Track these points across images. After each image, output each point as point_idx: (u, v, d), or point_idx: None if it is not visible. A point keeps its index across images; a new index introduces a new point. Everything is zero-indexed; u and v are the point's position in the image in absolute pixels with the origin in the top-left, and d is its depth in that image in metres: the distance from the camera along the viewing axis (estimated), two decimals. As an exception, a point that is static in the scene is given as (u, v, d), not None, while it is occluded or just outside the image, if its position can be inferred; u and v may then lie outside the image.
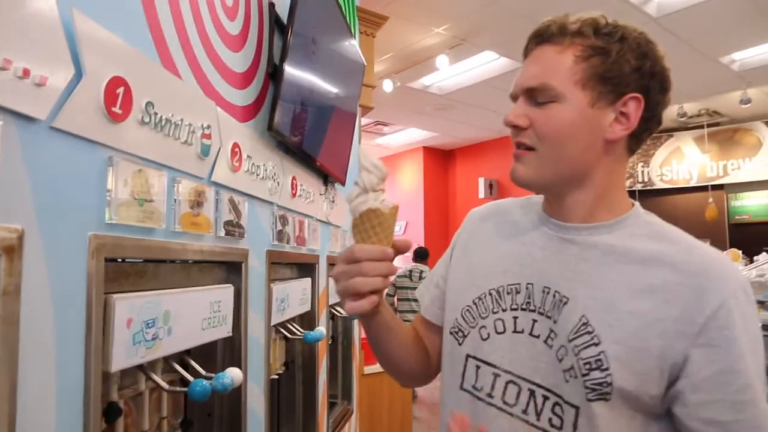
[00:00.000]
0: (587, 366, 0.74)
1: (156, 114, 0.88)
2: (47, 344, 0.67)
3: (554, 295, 0.80)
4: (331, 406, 2.51)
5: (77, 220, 0.73)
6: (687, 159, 7.41)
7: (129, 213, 0.82)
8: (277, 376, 1.70)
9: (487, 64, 5.32)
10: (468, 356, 0.87)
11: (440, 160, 9.31)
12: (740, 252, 4.77)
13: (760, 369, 0.72)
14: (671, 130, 7.44)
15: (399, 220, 9.30)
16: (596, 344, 0.74)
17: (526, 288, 0.84)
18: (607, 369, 0.73)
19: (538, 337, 0.80)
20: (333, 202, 2.27)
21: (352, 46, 2.24)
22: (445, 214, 9.17)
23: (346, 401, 2.72)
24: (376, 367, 3.62)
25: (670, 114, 6.73)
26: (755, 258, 3.29)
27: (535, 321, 0.82)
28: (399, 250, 0.79)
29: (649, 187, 7.53)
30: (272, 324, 1.51)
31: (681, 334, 0.71)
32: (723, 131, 7.14)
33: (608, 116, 0.79)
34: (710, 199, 6.87)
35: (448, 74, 5.57)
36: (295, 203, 1.70)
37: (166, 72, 0.95)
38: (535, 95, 0.81)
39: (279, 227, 1.55)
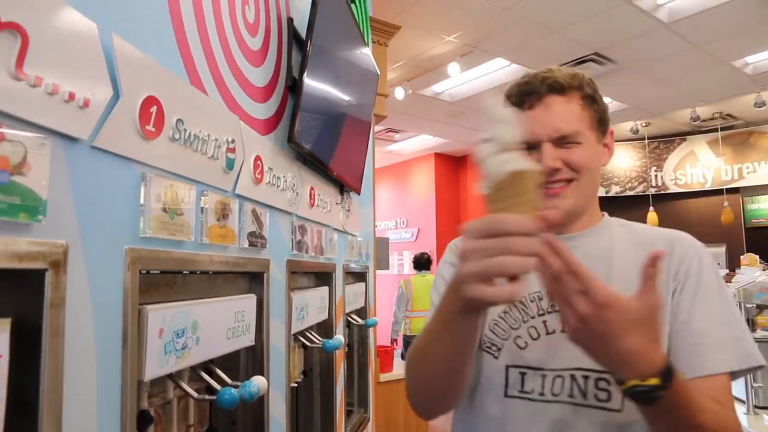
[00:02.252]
0: None
1: (185, 130, 0.92)
2: (89, 354, 0.70)
3: None
4: (348, 413, 2.53)
5: (114, 234, 0.76)
6: (701, 163, 7.36)
7: (161, 226, 0.85)
8: (296, 384, 1.72)
9: (498, 71, 5.34)
10: (508, 366, 0.93)
11: (452, 166, 9.32)
12: (757, 257, 4.73)
13: (729, 299, 0.90)
14: (684, 134, 7.40)
15: (411, 227, 9.32)
16: None
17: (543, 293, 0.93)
18: None
19: None
20: (349, 211, 2.30)
21: (367, 56, 2.28)
22: (457, 221, 9.17)
23: (362, 409, 2.74)
24: (392, 375, 3.64)
25: (682, 118, 6.70)
26: (773, 262, 3.26)
27: None
28: (549, 224, 0.65)
29: (662, 192, 7.49)
30: (292, 332, 1.53)
31: (671, 283, 0.89)
32: (737, 134, 7.09)
33: (602, 149, 0.99)
34: (725, 203, 6.81)
35: (460, 81, 5.60)
36: (313, 213, 1.73)
37: (194, 89, 0.99)
38: (563, 140, 0.93)
39: (298, 237, 1.57)
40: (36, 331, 0.62)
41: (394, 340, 5.62)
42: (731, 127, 7.05)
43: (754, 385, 2.40)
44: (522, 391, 0.92)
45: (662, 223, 6.88)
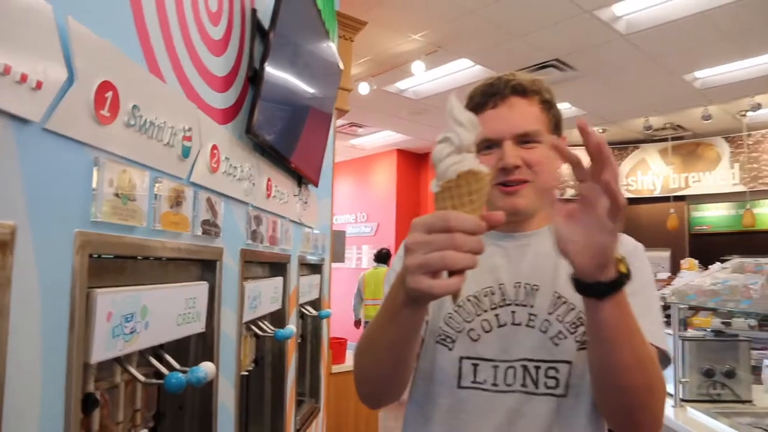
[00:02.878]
0: (573, 325, 0.94)
1: (141, 117, 0.92)
2: (34, 335, 0.71)
3: (525, 287, 0.99)
4: (299, 403, 2.55)
5: (64, 218, 0.76)
6: (651, 170, 7.67)
7: (113, 211, 0.86)
8: (246, 373, 1.73)
9: (462, 71, 5.42)
10: (461, 358, 0.98)
11: (413, 162, 9.40)
12: (697, 261, 4.97)
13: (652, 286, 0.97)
14: (637, 142, 7.69)
15: (371, 221, 9.36)
16: (573, 308, 0.95)
17: (499, 288, 1.00)
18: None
19: (519, 324, 0.97)
20: (306, 203, 2.31)
21: (331, 50, 2.29)
22: (417, 216, 9.25)
23: (313, 399, 2.76)
24: (345, 366, 3.67)
25: (636, 126, 6.96)
26: (710, 267, 3.45)
27: (513, 312, 0.98)
28: (492, 224, 0.66)
29: (614, 197, 7.76)
30: (244, 321, 1.55)
31: None
32: (686, 145, 7.42)
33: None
34: (672, 210, 7.12)
35: (424, 79, 5.65)
36: (270, 204, 1.74)
37: (152, 76, 0.99)
38: (525, 137, 0.97)
39: (253, 227, 1.58)
40: (-20, 311, 0.63)
41: (358, 321, 6.34)
42: (681, 138, 7.36)
43: (682, 380, 2.55)
44: (475, 381, 0.96)
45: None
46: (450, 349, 0.99)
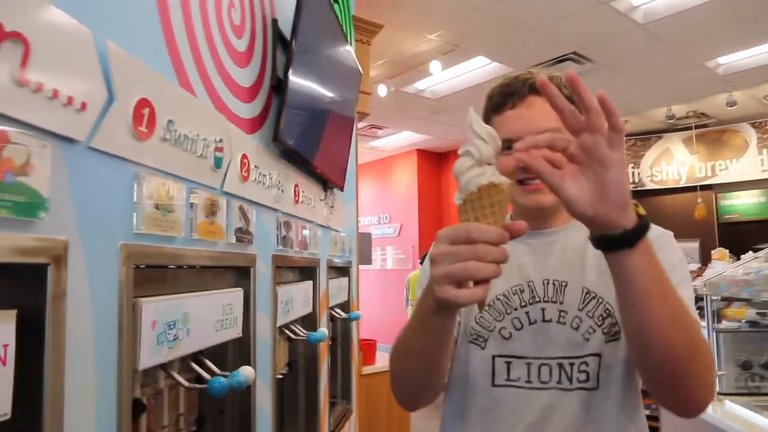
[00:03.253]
0: (601, 317, 0.96)
1: (175, 131, 0.95)
2: (88, 345, 0.74)
3: (554, 284, 1.01)
4: (332, 405, 2.58)
5: (110, 231, 0.80)
6: (676, 160, 7.54)
7: (153, 223, 0.89)
8: (281, 376, 1.76)
9: (479, 68, 5.41)
10: (494, 356, 1.00)
11: (434, 162, 9.40)
12: (727, 251, 4.87)
13: (684, 268, 0.95)
14: (660, 132, 7.57)
15: (393, 222, 9.38)
16: (601, 302, 0.97)
17: (528, 285, 1.02)
18: (612, 315, 0.95)
19: (550, 321, 0.99)
20: (332, 207, 2.34)
21: (350, 55, 2.32)
22: (439, 216, 9.26)
23: (345, 401, 2.79)
24: (375, 368, 3.69)
25: (658, 116, 6.85)
26: (742, 257, 3.38)
27: (543, 309, 1.00)
28: (514, 233, 0.69)
29: (639, 188, 7.65)
30: (278, 325, 1.58)
31: None
32: (710, 132, 7.28)
33: None
34: (699, 199, 7.00)
35: (442, 79, 5.66)
36: (298, 209, 1.77)
37: (183, 91, 1.02)
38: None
39: (283, 233, 1.62)
40: (39, 323, 0.66)
41: None
42: (705, 126, 7.23)
43: (718, 373, 2.51)
44: (508, 379, 0.99)
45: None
46: (482, 348, 1.01)
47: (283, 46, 1.62)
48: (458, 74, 5.58)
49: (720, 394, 2.49)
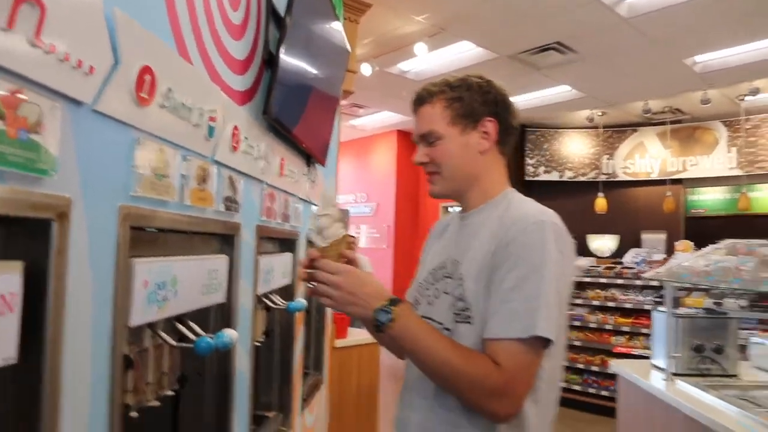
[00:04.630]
0: (453, 297, 1.18)
1: (174, 98, 0.98)
2: (86, 299, 0.78)
3: (454, 262, 1.23)
4: (305, 375, 2.64)
5: (110, 192, 0.83)
6: (649, 153, 7.73)
7: (151, 187, 0.93)
8: (258, 344, 1.81)
9: (464, 53, 5.44)
10: (423, 317, 1.22)
11: (413, 143, 9.42)
12: (692, 243, 5.07)
13: (543, 277, 1.08)
14: (636, 125, 7.73)
15: (370, 201, 9.43)
16: (461, 284, 1.18)
17: (444, 262, 1.26)
18: (465, 299, 1.16)
19: (448, 293, 1.21)
20: (314, 182, 2.38)
21: (339, 33, 2.34)
22: (416, 197, 9.33)
23: (318, 372, 2.86)
24: (347, 341, 3.78)
25: (635, 110, 7.00)
26: (702, 249, 3.54)
27: (447, 283, 1.22)
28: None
29: (612, 179, 7.83)
30: (258, 293, 1.62)
31: (497, 257, 1.12)
32: (684, 128, 7.47)
33: (475, 137, 1.24)
34: (668, 193, 7.20)
35: (426, 61, 5.68)
36: (282, 182, 1.81)
37: (182, 60, 1.05)
38: (426, 138, 1.26)
39: (267, 204, 1.65)
40: (43, 275, 0.70)
41: None
42: (679, 121, 7.41)
43: (673, 354, 2.66)
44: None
45: (610, 209, 7.24)
46: (417, 310, 1.27)
47: (276, 21, 1.64)
48: (443, 58, 5.60)
49: (673, 374, 2.64)
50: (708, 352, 2.67)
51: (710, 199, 7.37)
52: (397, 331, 1.09)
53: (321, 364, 2.91)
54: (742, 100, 6.26)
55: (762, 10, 4.16)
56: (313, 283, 1.15)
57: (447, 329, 1.17)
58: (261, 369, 2.07)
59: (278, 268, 1.85)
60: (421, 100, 1.28)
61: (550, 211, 1.18)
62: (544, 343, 1.05)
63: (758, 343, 2.91)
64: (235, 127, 1.31)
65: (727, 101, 6.48)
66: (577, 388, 6.00)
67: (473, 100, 1.24)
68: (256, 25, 1.52)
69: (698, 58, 5.25)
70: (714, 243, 3.14)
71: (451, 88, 1.25)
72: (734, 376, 2.67)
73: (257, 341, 1.77)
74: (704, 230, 6.85)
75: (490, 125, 1.24)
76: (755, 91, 5.78)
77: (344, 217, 1.45)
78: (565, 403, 6.00)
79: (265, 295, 1.78)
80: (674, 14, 4.23)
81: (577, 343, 6.07)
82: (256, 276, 1.58)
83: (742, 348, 2.88)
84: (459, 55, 5.51)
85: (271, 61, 1.55)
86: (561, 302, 1.09)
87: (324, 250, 1.15)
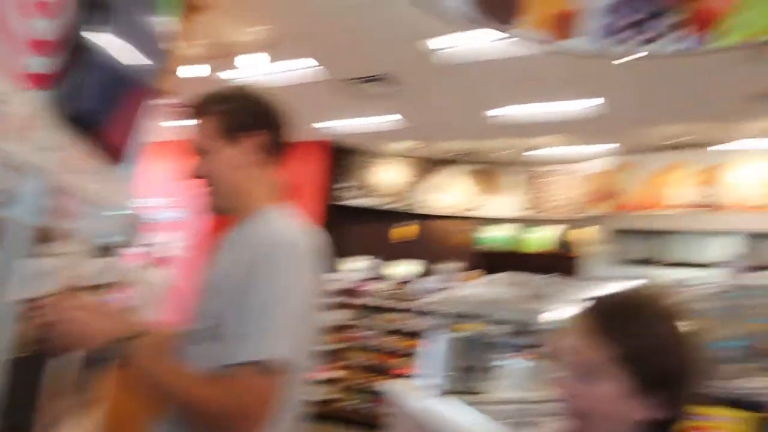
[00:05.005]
0: (203, 312, 1.19)
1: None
2: None
3: (215, 279, 1.20)
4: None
5: None
6: (453, 190, 8.58)
7: None
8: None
9: (300, 70, 5.48)
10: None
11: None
12: (479, 272, 5.73)
13: (283, 299, 1.09)
14: (448, 162, 8.52)
15: (181, 206, 8.90)
16: (210, 300, 1.19)
17: (209, 279, 1.24)
18: (218, 317, 1.14)
19: (209, 310, 1.19)
20: (112, 181, 2.22)
21: (164, 29, 2.25)
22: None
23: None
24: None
25: (444, 148, 7.77)
26: (476, 281, 4.07)
27: (210, 300, 1.20)
28: None
29: (417, 212, 8.48)
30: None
31: (244, 277, 1.10)
32: (483, 170, 8.46)
33: (242, 150, 1.24)
34: (463, 228, 8.07)
35: (260, 72, 5.60)
36: (73, 178, 1.67)
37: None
38: (199, 152, 1.26)
39: (51, 200, 1.52)
40: None
41: None
42: (481, 163, 8.38)
43: (446, 373, 3.02)
44: None
45: (418, 238, 7.90)
46: None
47: (90, 4, 1.53)
48: (277, 71, 5.57)
49: (445, 392, 2.98)
50: (476, 373, 3.05)
51: (494, 236, 8.39)
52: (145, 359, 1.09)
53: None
54: (528, 152, 7.36)
55: (541, 74, 4.89)
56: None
57: (203, 343, 1.14)
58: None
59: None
60: (194, 111, 1.27)
61: (299, 228, 1.19)
62: (281, 364, 1.04)
63: (509, 365, 3.37)
64: (25, 113, 1.20)
65: (516, 152, 7.54)
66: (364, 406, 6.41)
67: (243, 112, 1.25)
68: (67, 4, 1.41)
69: (490, 112, 5.99)
70: (494, 274, 3.63)
71: (221, 101, 1.26)
72: (487, 393, 3.04)
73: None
74: (489, 263, 7.76)
75: (258, 138, 1.24)
76: (536, 147, 6.85)
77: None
78: (348, 421, 6.34)
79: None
80: (477, 68, 4.79)
81: (366, 364, 6.63)
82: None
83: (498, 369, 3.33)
84: (295, 72, 5.54)
85: (78, 46, 1.45)
86: (300, 322, 1.10)
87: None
